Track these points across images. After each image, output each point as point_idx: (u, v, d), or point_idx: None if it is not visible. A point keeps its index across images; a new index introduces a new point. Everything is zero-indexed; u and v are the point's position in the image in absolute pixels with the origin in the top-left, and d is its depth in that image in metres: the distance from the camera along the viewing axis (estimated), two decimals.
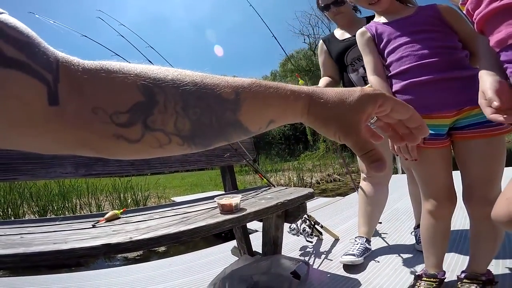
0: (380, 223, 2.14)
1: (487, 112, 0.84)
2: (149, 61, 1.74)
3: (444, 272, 1.32)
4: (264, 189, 1.92)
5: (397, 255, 1.85)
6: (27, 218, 4.68)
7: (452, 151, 1.23)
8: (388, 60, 1.24)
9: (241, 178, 9.61)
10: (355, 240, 1.89)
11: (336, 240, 2.26)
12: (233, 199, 1.25)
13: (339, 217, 2.96)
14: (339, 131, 0.39)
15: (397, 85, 1.22)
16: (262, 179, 2.18)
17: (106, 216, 1.25)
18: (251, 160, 2.01)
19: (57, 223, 1.22)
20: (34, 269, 2.15)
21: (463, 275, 1.25)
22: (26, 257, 0.79)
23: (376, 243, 2.10)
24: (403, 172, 2.35)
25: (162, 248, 3.10)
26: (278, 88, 0.39)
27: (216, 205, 1.30)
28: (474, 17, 0.87)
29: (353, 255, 1.75)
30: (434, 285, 1.28)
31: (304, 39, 29.89)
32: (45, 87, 0.27)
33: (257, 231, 2.64)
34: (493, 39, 0.83)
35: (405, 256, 1.82)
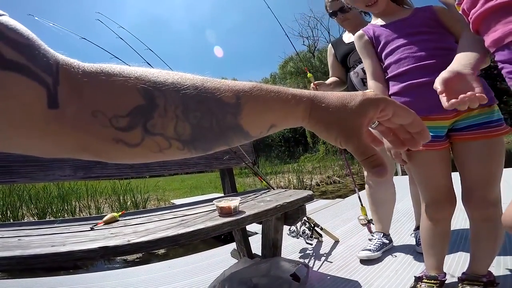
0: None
1: (442, 100, 0.87)
2: (148, 63, 1.74)
3: (445, 274, 1.32)
4: (264, 191, 1.92)
5: (398, 256, 1.84)
6: (26, 220, 4.67)
7: (451, 152, 1.23)
8: (386, 62, 1.24)
9: (241, 181, 9.60)
10: (372, 236, 2.00)
11: (336, 242, 2.25)
12: (232, 202, 1.25)
13: (339, 219, 2.96)
14: (340, 136, 0.39)
15: (395, 87, 1.22)
16: (262, 181, 2.18)
17: (105, 218, 1.24)
18: (250, 162, 2.00)
19: (55, 225, 1.21)
20: (31, 271, 2.14)
21: (463, 276, 1.25)
22: (23, 259, 0.78)
23: None
24: (403, 174, 2.36)
25: (162, 251, 3.09)
26: (279, 92, 0.38)
27: (215, 208, 1.30)
28: (470, 16, 0.86)
29: (369, 250, 1.86)
30: (435, 287, 1.27)
31: (304, 41, 29.97)
32: (45, 90, 0.27)
33: (256, 233, 2.64)
34: (489, 38, 0.82)
35: (406, 257, 1.81)
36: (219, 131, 0.36)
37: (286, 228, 1.91)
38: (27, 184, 5.66)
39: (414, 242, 1.99)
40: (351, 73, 2.10)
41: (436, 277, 1.29)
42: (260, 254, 1.73)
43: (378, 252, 1.87)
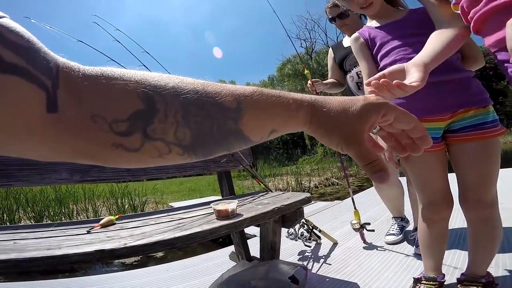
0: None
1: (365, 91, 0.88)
2: (145, 66, 1.74)
3: (444, 275, 1.31)
4: (261, 194, 1.91)
5: (396, 258, 1.84)
6: (22, 223, 4.64)
7: (447, 154, 1.23)
8: (382, 64, 1.25)
9: (239, 183, 9.59)
10: (394, 220, 2.26)
11: (335, 244, 2.25)
12: (230, 205, 1.24)
13: (338, 221, 2.95)
14: (341, 141, 0.38)
15: None
16: (260, 184, 2.17)
17: (101, 222, 1.23)
18: (248, 165, 2.00)
19: (51, 229, 1.20)
20: (27, 275, 2.13)
21: (462, 277, 1.25)
22: (18, 262, 0.78)
23: (375, 246, 2.09)
24: (401, 175, 2.36)
25: (160, 254, 3.08)
26: (280, 97, 0.38)
27: (213, 211, 1.29)
28: (471, 15, 0.84)
29: (393, 234, 2.14)
30: None
31: (301, 44, 30.07)
32: (44, 93, 0.26)
33: (255, 236, 2.63)
34: (492, 38, 0.81)
35: (404, 259, 1.81)
36: (220, 136, 0.35)
37: (284, 230, 1.90)
38: (24, 187, 5.63)
39: (412, 244, 1.98)
40: (348, 76, 2.18)
41: (435, 278, 1.28)
42: (259, 257, 1.72)
43: (401, 235, 2.14)
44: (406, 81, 0.79)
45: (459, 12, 0.91)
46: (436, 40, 0.95)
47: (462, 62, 1.18)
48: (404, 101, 1.17)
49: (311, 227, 2.19)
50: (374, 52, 1.28)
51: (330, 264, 1.88)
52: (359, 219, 2.12)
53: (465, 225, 1.47)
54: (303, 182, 9.04)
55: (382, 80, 0.64)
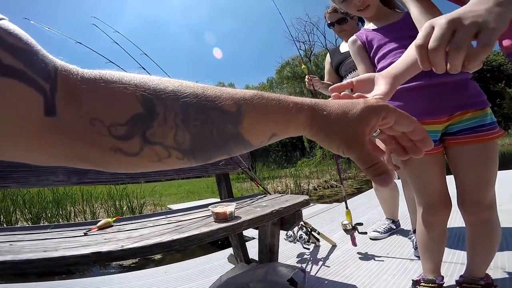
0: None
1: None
2: (143, 68, 1.74)
3: (442, 277, 1.31)
4: (260, 196, 1.91)
5: (395, 260, 1.84)
6: (19, 225, 4.62)
7: (446, 156, 1.23)
8: (379, 66, 1.25)
9: (238, 186, 9.58)
10: (385, 220, 2.40)
11: (333, 246, 2.24)
12: (228, 207, 1.24)
13: (336, 224, 2.94)
14: (342, 145, 0.38)
15: None
16: (258, 186, 2.17)
17: (99, 224, 1.23)
18: (246, 167, 2.00)
19: (48, 230, 1.19)
20: (23, 277, 2.12)
21: (461, 279, 1.24)
22: (14, 264, 0.77)
23: (373, 248, 2.09)
24: (398, 177, 2.37)
25: (158, 256, 3.07)
26: (280, 101, 0.38)
27: (211, 213, 1.29)
28: None
29: (378, 232, 2.30)
30: None
31: (300, 46, 30.16)
32: (42, 96, 0.26)
33: (253, 238, 2.62)
34: (508, 41, 0.80)
35: (403, 261, 1.81)
36: (220, 140, 0.35)
37: (283, 233, 1.90)
38: (21, 189, 5.61)
39: (411, 246, 1.98)
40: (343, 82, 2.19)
41: (433, 281, 1.28)
42: (257, 259, 1.71)
43: (386, 234, 2.29)
44: (371, 93, 0.78)
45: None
46: (412, 50, 0.93)
47: None
48: (401, 104, 1.17)
49: (309, 230, 2.18)
50: (371, 55, 1.29)
51: (329, 267, 1.88)
52: (351, 220, 2.02)
53: (463, 227, 1.47)
54: (302, 185, 9.05)
55: (342, 93, 0.65)
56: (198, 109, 0.33)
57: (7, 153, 0.27)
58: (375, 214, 3.04)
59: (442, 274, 1.32)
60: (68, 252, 0.83)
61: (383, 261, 1.86)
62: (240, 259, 1.85)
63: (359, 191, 6.71)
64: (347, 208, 2.10)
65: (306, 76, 2.30)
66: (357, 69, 2.23)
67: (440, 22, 0.48)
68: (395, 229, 2.37)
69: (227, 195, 1.96)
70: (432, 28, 0.49)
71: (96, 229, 1.19)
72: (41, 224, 4.42)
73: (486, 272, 1.23)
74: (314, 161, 17.67)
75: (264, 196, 1.89)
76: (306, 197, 1.62)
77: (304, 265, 1.95)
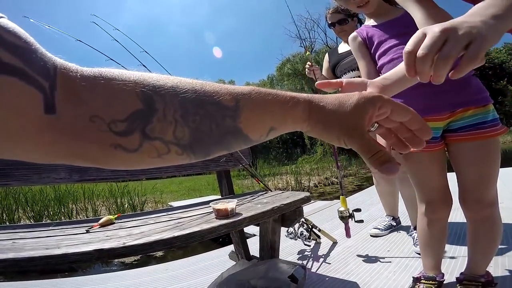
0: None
1: None
2: (143, 65, 1.73)
3: (443, 274, 1.31)
4: (261, 193, 1.91)
5: (395, 257, 1.84)
6: (21, 223, 4.64)
7: (447, 153, 1.23)
8: (380, 62, 1.24)
9: (239, 183, 9.59)
10: (385, 217, 2.42)
11: (334, 243, 2.25)
12: (229, 204, 1.24)
13: (337, 221, 2.93)
14: (342, 135, 0.38)
15: None
16: (259, 183, 2.17)
17: (100, 221, 1.23)
18: (247, 164, 2.00)
19: (50, 228, 1.20)
20: (25, 274, 2.13)
21: (462, 277, 1.25)
22: (16, 262, 0.77)
23: (374, 245, 2.09)
24: None
25: (160, 253, 3.08)
26: (277, 95, 0.38)
27: (212, 210, 1.29)
28: None
29: (379, 229, 2.31)
30: (433, 287, 1.27)
31: (301, 43, 30.02)
32: (41, 94, 0.26)
33: (254, 235, 2.63)
34: None
35: (403, 258, 1.81)
36: (219, 135, 0.35)
37: (284, 229, 1.90)
38: (23, 187, 5.63)
39: (411, 243, 1.99)
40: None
41: (434, 278, 1.28)
42: (258, 256, 1.72)
43: (386, 231, 2.30)
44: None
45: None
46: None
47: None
48: (401, 101, 1.16)
49: (310, 226, 2.19)
50: (372, 51, 1.28)
51: (330, 264, 1.88)
52: (347, 207, 1.94)
53: (464, 224, 1.47)
54: (302, 182, 9.05)
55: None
56: (197, 104, 0.34)
57: (7, 151, 0.27)
58: (376, 211, 3.04)
59: (442, 271, 1.33)
60: (70, 250, 0.83)
61: (383, 258, 1.86)
62: (241, 255, 1.86)
63: (359, 188, 6.71)
64: (342, 194, 2.03)
65: (308, 63, 2.31)
66: (352, 70, 2.28)
67: (432, 30, 0.47)
68: (395, 226, 2.39)
69: (228, 192, 1.97)
70: (424, 35, 0.47)
71: (98, 226, 1.20)
72: (43, 222, 4.44)
73: (487, 269, 1.24)
74: (314, 158, 17.69)
75: (265, 193, 1.90)
76: (307, 193, 1.62)
77: (304, 262, 1.95)
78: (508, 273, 1.45)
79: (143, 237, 0.94)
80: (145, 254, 2.88)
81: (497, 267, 1.51)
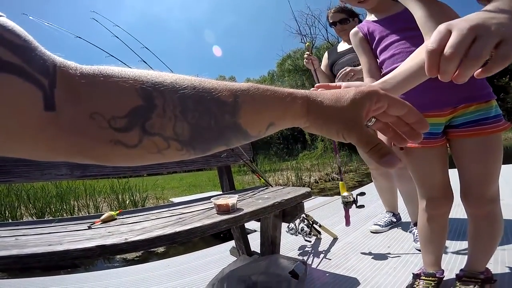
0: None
1: None
2: (144, 61, 1.73)
3: (443, 271, 1.32)
4: (262, 189, 1.92)
5: (395, 253, 1.85)
6: (24, 220, 4.66)
7: (449, 149, 1.23)
8: (381, 58, 1.24)
9: (239, 178, 9.61)
10: (386, 214, 2.44)
11: (335, 239, 2.26)
12: (230, 199, 1.25)
13: (338, 216, 2.95)
14: (341, 129, 0.39)
15: None
16: (260, 179, 2.18)
17: (102, 217, 1.24)
18: (248, 160, 2.00)
19: (52, 225, 1.21)
20: (29, 271, 2.14)
21: (461, 273, 1.25)
22: (19, 259, 0.78)
23: (374, 241, 2.10)
24: None
25: (161, 249, 3.10)
26: (276, 91, 0.39)
27: (213, 206, 1.29)
28: None
29: (379, 225, 2.33)
30: (433, 284, 1.27)
31: (301, 39, 29.90)
32: (41, 92, 0.26)
33: (255, 231, 2.64)
34: None
35: (404, 254, 1.82)
36: (218, 131, 0.36)
37: (284, 225, 1.91)
38: (25, 184, 5.65)
39: (411, 239, 1.99)
40: (336, 80, 2.26)
41: (434, 274, 1.29)
42: (259, 252, 1.73)
43: (386, 228, 2.32)
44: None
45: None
46: (411, 63, 0.83)
47: None
48: (403, 97, 1.16)
49: (311, 222, 2.19)
50: (373, 47, 1.28)
51: (330, 259, 1.89)
52: (350, 192, 1.89)
53: (464, 220, 1.47)
54: (303, 177, 9.05)
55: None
56: (196, 100, 0.34)
57: (8, 149, 0.27)
58: (376, 207, 3.05)
59: (442, 268, 1.33)
60: (73, 246, 0.83)
61: (383, 254, 1.87)
62: (242, 251, 1.86)
63: (360, 184, 6.72)
64: (341, 180, 1.99)
65: (306, 53, 2.34)
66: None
67: (460, 26, 0.42)
68: (395, 222, 2.40)
69: (229, 187, 1.97)
70: (448, 32, 0.43)
71: (100, 222, 1.20)
72: (46, 219, 4.46)
73: (487, 266, 1.24)
74: (315, 154, 17.68)
75: (266, 189, 1.90)
76: (308, 189, 1.63)
77: (305, 258, 1.96)
78: (507, 270, 1.45)
79: (145, 233, 0.95)
80: (147, 250, 2.90)
81: (497, 263, 1.51)
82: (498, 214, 1.15)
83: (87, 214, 5.03)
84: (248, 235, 1.94)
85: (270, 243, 1.61)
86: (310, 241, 2.24)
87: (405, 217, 2.46)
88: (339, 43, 2.57)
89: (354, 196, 1.88)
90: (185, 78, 0.35)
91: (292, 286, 1.40)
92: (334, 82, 2.32)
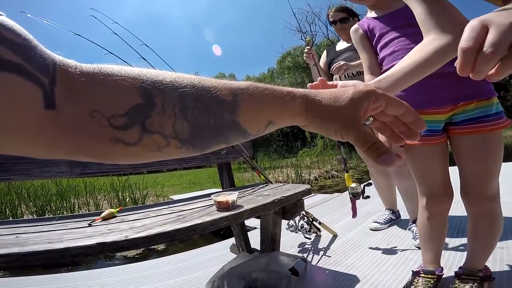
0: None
1: None
2: (143, 58, 1.73)
3: (442, 268, 1.32)
4: (262, 186, 1.92)
5: (395, 251, 1.85)
6: (25, 218, 4.66)
7: (450, 146, 1.22)
8: (381, 55, 1.23)
9: (239, 176, 9.62)
10: (385, 211, 2.46)
11: (334, 236, 2.26)
12: (230, 196, 1.25)
13: (337, 214, 2.96)
14: (339, 128, 0.39)
15: None
16: (260, 176, 2.18)
17: (102, 215, 1.24)
18: (248, 156, 2.00)
19: (52, 222, 1.21)
20: (30, 269, 2.15)
21: (460, 271, 1.25)
22: (20, 256, 0.78)
23: (374, 239, 2.11)
24: None
25: (161, 246, 3.11)
26: (274, 90, 0.39)
27: (213, 203, 1.29)
28: None
29: (379, 223, 2.34)
30: (432, 281, 1.27)
31: (301, 36, 29.80)
32: (41, 90, 0.27)
33: (255, 228, 2.65)
34: None
35: (403, 252, 1.82)
36: (217, 129, 0.36)
37: (284, 222, 1.91)
38: (25, 182, 5.66)
39: (411, 236, 2.00)
40: (333, 79, 2.33)
41: (433, 272, 1.29)
42: (259, 249, 1.73)
43: (386, 225, 2.33)
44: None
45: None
46: (407, 61, 0.82)
47: None
48: (403, 94, 1.16)
49: (311, 219, 2.20)
50: (373, 43, 1.27)
51: (330, 256, 1.89)
52: (357, 183, 1.86)
53: (464, 217, 1.48)
54: (303, 175, 9.07)
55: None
56: (196, 99, 0.34)
57: (8, 147, 0.27)
58: (376, 205, 3.05)
59: (441, 265, 1.33)
60: (73, 243, 0.83)
61: (383, 251, 1.87)
62: (242, 248, 1.87)
63: (359, 181, 6.72)
64: (347, 171, 1.97)
65: (307, 47, 2.34)
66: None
67: (500, 23, 0.38)
68: (395, 219, 2.41)
69: (229, 184, 1.97)
70: (484, 28, 0.39)
71: (100, 220, 1.21)
72: (46, 217, 4.46)
73: (485, 264, 1.24)
74: (315, 151, 17.69)
75: (266, 185, 1.90)
76: (308, 186, 1.63)
77: (305, 255, 1.97)
78: (506, 268, 1.46)
79: (145, 230, 0.95)
80: (147, 248, 2.90)
81: (496, 261, 1.52)
82: (497, 212, 1.15)
83: (87, 212, 5.04)
84: (248, 232, 1.95)
85: (270, 240, 1.61)
86: (310, 238, 2.25)
87: (405, 214, 2.46)
88: (338, 41, 2.58)
89: (362, 187, 1.85)
90: (185, 76, 0.35)
91: (292, 283, 1.40)
92: (332, 80, 2.35)
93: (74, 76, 0.30)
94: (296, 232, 2.24)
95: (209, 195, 1.52)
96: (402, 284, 1.40)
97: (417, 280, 1.31)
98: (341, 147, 2.10)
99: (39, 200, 5.42)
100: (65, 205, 5.55)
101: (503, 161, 1.12)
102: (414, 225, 1.97)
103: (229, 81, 0.38)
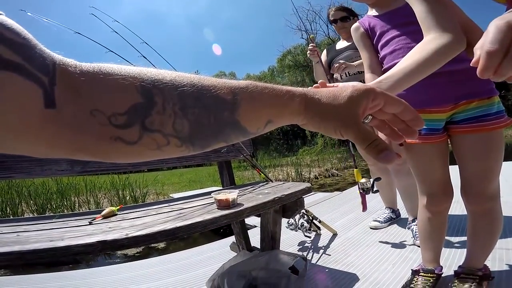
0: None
1: None
2: (144, 57, 1.73)
3: (441, 267, 1.32)
4: (262, 184, 1.92)
5: (394, 250, 1.86)
6: (25, 216, 4.67)
7: (450, 145, 1.22)
8: (382, 53, 1.23)
9: (239, 174, 9.62)
10: (385, 210, 2.46)
11: (334, 235, 2.27)
12: (230, 194, 1.25)
13: (337, 212, 2.97)
14: (339, 126, 0.39)
15: None
16: (260, 174, 2.18)
17: (103, 213, 1.24)
18: (248, 155, 2.00)
19: (53, 221, 1.21)
20: (31, 267, 2.15)
21: (459, 270, 1.25)
22: (21, 255, 0.78)
23: (374, 237, 2.11)
24: None
25: (162, 245, 3.11)
26: (274, 89, 0.39)
27: (213, 201, 1.30)
28: None
29: (378, 221, 2.34)
30: (432, 280, 1.28)
31: (302, 35, 29.73)
32: (41, 89, 0.27)
33: (255, 226, 2.65)
34: None
35: (403, 250, 1.83)
36: (217, 128, 0.36)
37: (284, 221, 1.91)
38: (26, 180, 5.67)
39: (410, 235, 2.00)
40: (333, 77, 2.37)
41: (433, 270, 1.29)
42: (259, 247, 1.73)
43: (386, 224, 2.33)
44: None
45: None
46: (407, 62, 0.81)
47: (466, 51, 1.15)
48: (404, 93, 1.16)
49: (311, 218, 2.20)
50: (374, 42, 1.27)
51: (330, 255, 1.90)
52: (368, 178, 1.91)
53: (464, 216, 1.48)
54: (303, 173, 9.07)
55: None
56: (195, 97, 0.34)
57: (9, 146, 0.28)
58: (376, 203, 3.05)
59: (441, 264, 1.34)
60: (74, 242, 0.84)
61: (383, 250, 1.88)
62: (242, 247, 1.87)
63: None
64: (356, 167, 2.03)
65: (310, 45, 2.35)
66: None
67: None
68: (395, 218, 2.42)
69: (229, 182, 1.98)
70: (511, 29, 0.38)
71: (101, 218, 1.21)
72: (47, 215, 4.47)
73: (485, 263, 1.24)
74: (315, 149, 17.68)
75: (266, 184, 1.90)
76: (308, 184, 1.63)
77: (305, 253, 1.97)
78: (505, 267, 1.46)
79: (146, 228, 0.95)
80: (148, 246, 2.91)
81: (495, 261, 1.52)
82: (497, 211, 1.15)
83: (88, 210, 5.04)
84: (248, 231, 1.95)
85: (270, 239, 1.61)
86: (309, 237, 2.25)
87: (405, 213, 2.46)
88: (338, 40, 2.59)
89: (371, 182, 1.88)
90: (185, 75, 0.35)
91: (292, 282, 1.41)
92: (332, 78, 2.37)
93: (74, 75, 0.30)
94: (296, 231, 2.24)
95: (209, 193, 1.52)
96: (401, 283, 1.40)
97: (417, 279, 1.31)
98: (350, 143, 2.12)
99: (39, 198, 5.43)
100: (65, 203, 5.55)
101: (504, 160, 1.12)
102: (414, 224, 1.97)
103: (229, 80, 0.38)
